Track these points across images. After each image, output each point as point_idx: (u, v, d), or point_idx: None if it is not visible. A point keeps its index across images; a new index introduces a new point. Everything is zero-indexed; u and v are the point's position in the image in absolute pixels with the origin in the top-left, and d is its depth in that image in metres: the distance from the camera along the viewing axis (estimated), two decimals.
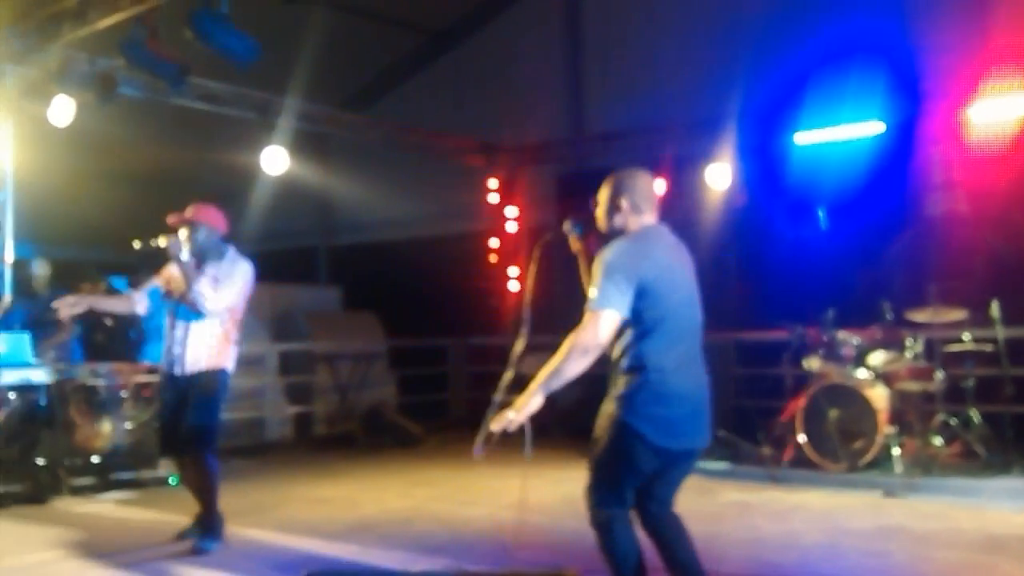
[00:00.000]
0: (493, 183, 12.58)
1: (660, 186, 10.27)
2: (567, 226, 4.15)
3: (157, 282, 5.89)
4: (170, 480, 7.72)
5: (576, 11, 12.42)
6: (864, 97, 9.13)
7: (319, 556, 5.45)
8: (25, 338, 7.59)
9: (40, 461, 7.36)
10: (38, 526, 6.39)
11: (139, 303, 5.88)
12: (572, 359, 3.59)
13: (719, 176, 10.06)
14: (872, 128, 9.26)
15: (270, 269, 13.17)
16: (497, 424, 3.76)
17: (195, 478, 5.78)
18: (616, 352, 3.74)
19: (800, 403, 7.83)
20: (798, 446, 7.78)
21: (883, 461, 7.57)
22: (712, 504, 7.00)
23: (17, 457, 7.32)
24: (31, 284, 8.21)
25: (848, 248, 9.28)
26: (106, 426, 7.72)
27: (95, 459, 7.70)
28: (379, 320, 12.29)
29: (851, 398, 7.62)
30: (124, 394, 7.87)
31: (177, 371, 5.66)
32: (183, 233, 5.64)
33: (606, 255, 3.70)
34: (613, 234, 3.87)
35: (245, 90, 9.68)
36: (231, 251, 5.82)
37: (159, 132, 10.93)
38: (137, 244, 5.65)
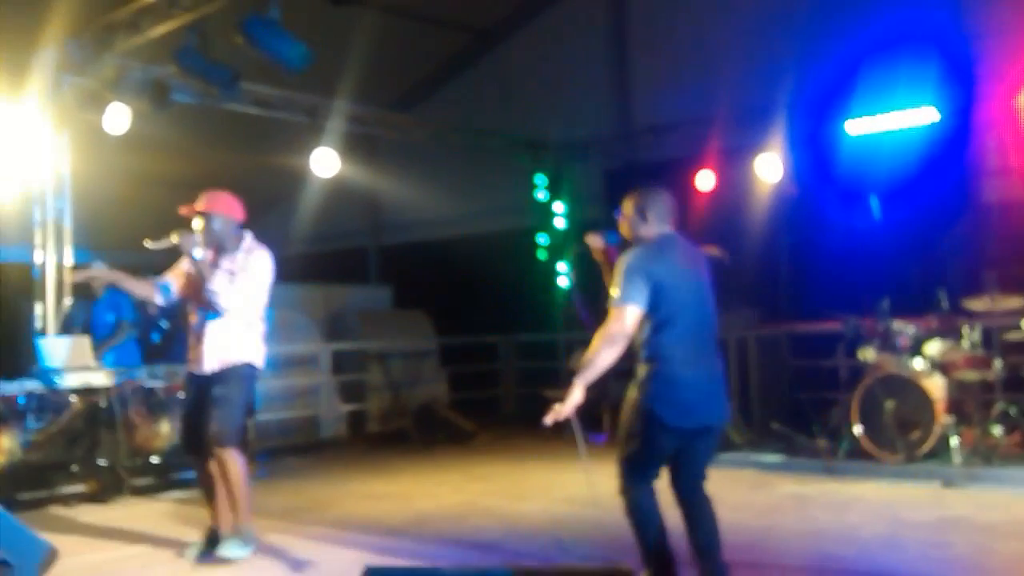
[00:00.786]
0: (541, 180, 12.60)
1: (709, 178, 10.41)
2: (601, 235, 4.72)
3: (168, 278, 5.59)
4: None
5: (621, 3, 12.38)
6: (917, 84, 9.00)
7: (376, 551, 5.51)
8: (86, 341, 7.76)
9: (102, 462, 7.52)
10: (101, 525, 6.53)
11: (156, 294, 5.55)
12: (603, 350, 4.15)
13: (769, 166, 9.97)
14: (925, 115, 9.12)
15: (322, 270, 13.43)
16: (549, 417, 4.23)
17: (221, 479, 5.38)
18: (636, 345, 4.28)
19: (856, 394, 7.74)
20: (854, 437, 7.70)
21: (941, 452, 7.45)
22: (768, 497, 6.96)
23: (80, 458, 7.49)
24: (90, 288, 8.37)
25: (902, 237, 9.15)
26: (164, 427, 7.85)
27: (154, 459, 7.84)
28: (429, 318, 12.38)
29: (908, 388, 7.52)
30: (181, 395, 8.00)
31: (198, 369, 5.43)
32: (197, 224, 5.39)
33: (626, 259, 4.28)
34: (635, 241, 4.44)
35: (295, 94, 9.81)
36: (248, 240, 5.51)
37: (211, 137, 11.11)
38: (149, 243, 5.36)
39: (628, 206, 4.49)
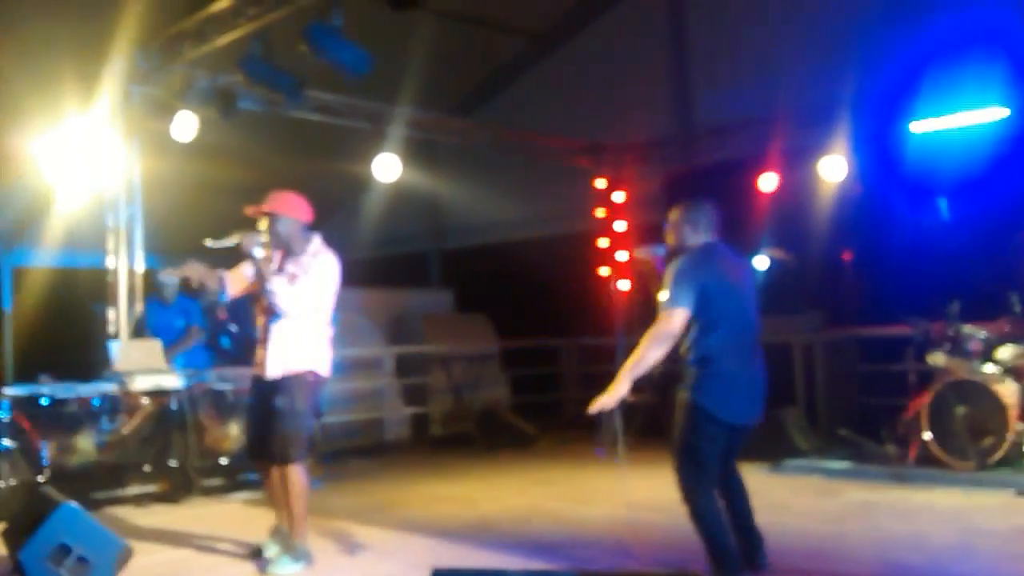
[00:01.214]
0: (600, 183, 12.56)
1: (772, 180, 10.29)
2: (649, 249, 5.15)
3: (226, 276, 5.47)
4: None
5: (680, 3, 12.29)
6: (985, 82, 8.80)
7: (441, 553, 5.54)
8: (157, 344, 7.93)
9: (173, 463, 7.68)
10: (171, 524, 6.67)
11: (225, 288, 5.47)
12: (651, 348, 4.48)
13: (833, 168, 9.83)
14: (994, 113, 8.91)
15: (384, 274, 13.54)
16: (594, 407, 4.54)
17: (282, 492, 5.34)
18: (683, 348, 4.60)
19: (925, 400, 7.60)
20: (923, 444, 7.55)
21: (1014, 459, 7.27)
22: (835, 504, 6.86)
23: (151, 459, 7.66)
24: (161, 293, 8.56)
25: (972, 238, 8.93)
26: (234, 429, 7.98)
27: (224, 460, 7.98)
28: (491, 321, 12.42)
29: (979, 394, 7.36)
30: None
31: (261, 372, 5.34)
32: (262, 224, 5.29)
33: (676, 265, 4.60)
34: (681, 250, 4.76)
35: (357, 100, 9.92)
36: (315, 242, 5.38)
37: (274, 143, 11.28)
38: (210, 242, 5.27)
39: (674, 216, 4.82)
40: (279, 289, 5.16)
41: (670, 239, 4.87)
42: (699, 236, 4.76)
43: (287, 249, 5.34)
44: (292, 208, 5.33)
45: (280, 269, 5.32)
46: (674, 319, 4.48)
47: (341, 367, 10.55)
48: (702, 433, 4.55)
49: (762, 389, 4.72)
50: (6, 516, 5.78)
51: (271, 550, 5.40)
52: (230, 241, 5.23)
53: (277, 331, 5.27)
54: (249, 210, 5.33)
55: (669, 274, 4.59)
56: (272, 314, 5.26)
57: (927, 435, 7.53)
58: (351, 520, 6.66)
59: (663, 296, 4.54)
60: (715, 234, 4.79)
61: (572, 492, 7.72)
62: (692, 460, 4.58)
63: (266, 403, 5.30)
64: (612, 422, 4.71)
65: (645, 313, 5.31)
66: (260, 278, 5.20)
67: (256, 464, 5.61)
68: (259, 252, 5.19)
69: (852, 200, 9.81)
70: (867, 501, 6.87)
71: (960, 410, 7.40)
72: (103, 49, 8.33)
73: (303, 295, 5.20)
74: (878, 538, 5.78)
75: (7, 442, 7.10)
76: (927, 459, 7.53)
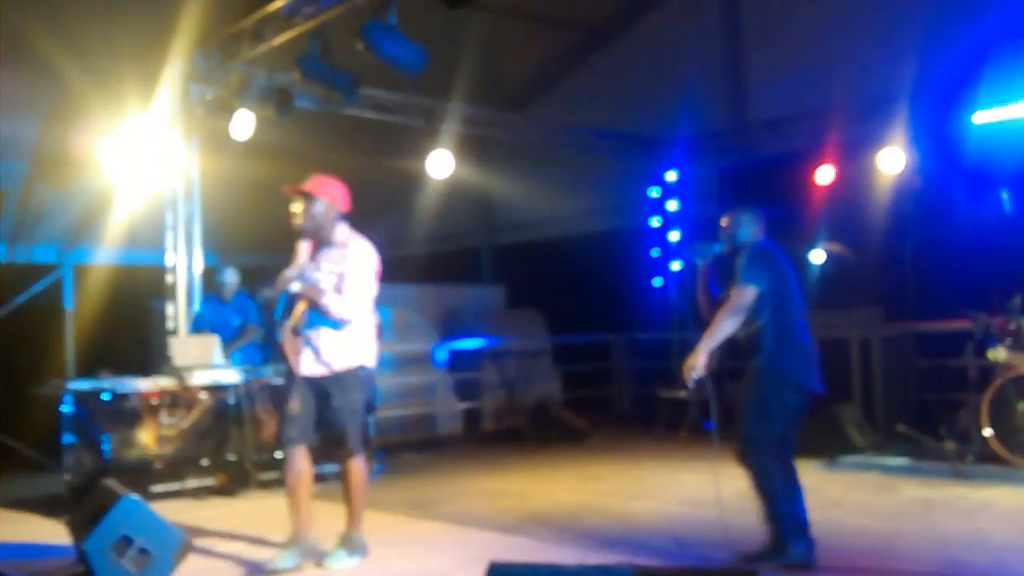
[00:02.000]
0: (653, 178, 12.50)
1: (829, 173, 10.15)
2: (704, 248, 5.37)
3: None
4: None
5: None
6: None
7: (495, 548, 5.56)
8: (215, 340, 8.06)
9: (230, 456, 7.80)
10: (229, 518, 6.77)
11: None
12: (727, 320, 4.93)
13: (891, 160, 9.67)
14: None
15: (437, 270, 13.61)
16: (687, 378, 4.93)
17: (346, 486, 5.36)
18: (754, 327, 5.00)
19: (986, 395, 7.45)
20: (984, 440, 7.41)
21: None
22: (893, 501, 6.76)
23: (209, 453, 7.79)
24: (221, 291, 8.70)
25: None
26: None
27: (279, 454, 8.08)
28: (542, 317, 12.42)
29: None
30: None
31: (309, 371, 5.28)
32: (296, 206, 5.22)
33: (748, 252, 5.11)
34: (734, 248, 5.22)
35: (411, 97, 9.98)
36: (343, 229, 5.30)
37: (329, 141, 11.37)
38: (268, 293, 5.30)
39: (727, 220, 5.34)
40: (333, 305, 5.13)
41: (725, 237, 5.31)
42: (752, 234, 5.25)
43: (316, 235, 5.25)
44: (329, 192, 5.24)
45: (314, 266, 5.23)
46: (746, 294, 4.95)
47: (395, 362, 10.72)
48: (777, 396, 4.94)
49: (817, 358, 5.16)
50: (70, 507, 5.92)
51: (285, 560, 5.21)
52: (279, 290, 5.20)
53: (326, 330, 5.22)
54: (287, 189, 5.27)
55: (744, 256, 5.07)
56: (321, 318, 5.19)
57: (988, 431, 7.38)
58: (405, 514, 6.72)
59: (737, 277, 5.00)
60: (762, 232, 5.28)
61: (624, 487, 7.71)
62: (762, 426, 4.92)
63: (318, 400, 5.28)
64: (701, 394, 5.09)
65: (696, 306, 5.51)
66: (314, 302, 5.16)
67: (288, 456, 5.34)
68: (298, 286, 5.16)
69: (911, 193, 9.65)
70: (925, 498, 6.76)
71: (1022, 406, 7.25)
72: (163, 50, 8.48)
73: (354, 298, 5.17)
74: (937, 536, 5.69)
75: (71, 436, 7.28)
76: (987, 456, 7.39)
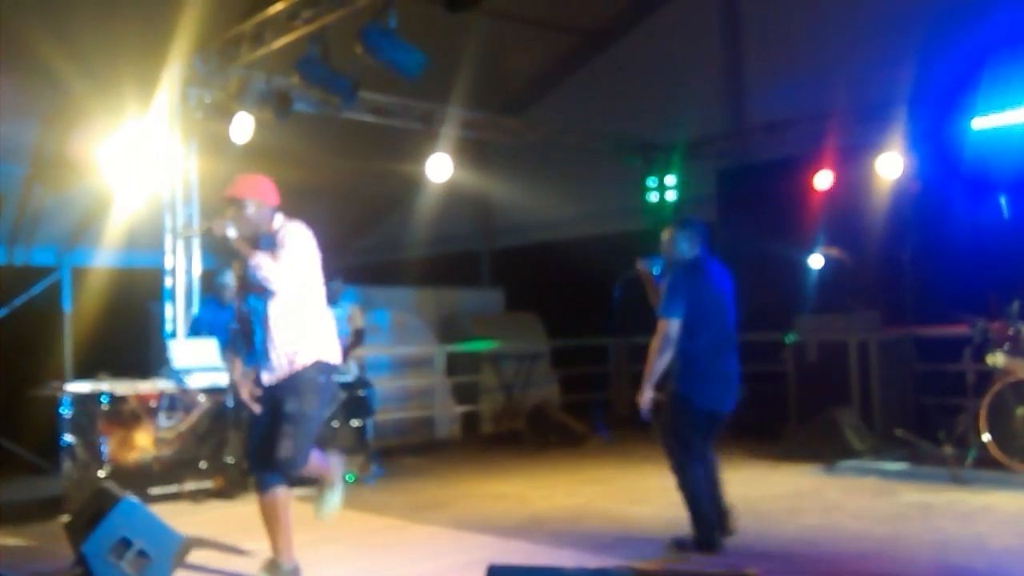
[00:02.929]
0: (652, 181, 12.51)
1: (827, 177, 10.16)
2: (647, 263, 5.82)
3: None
4: (346, 477, 8.03)
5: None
6: None
7: (494, 551, 5.56)
8: (213, 343, 8.05)
9: (228, 459, 7.79)
10: (228, 521, 6.76)
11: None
12: (659, 356, 5.40)
13: (890, 165, 9.68)
14: None
15: (435, 273, 13.61)
16: (644, 410, 5.43)
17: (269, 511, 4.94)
18: (673, 346, 5.41)
19: (984, 400, 7.46)
20: (983, 445, 7.42)
21: None
22: (892, 505, 6.76)
23: (207, 455, 7.78)
24: (220, 293, 8.69)
25: None
26: None
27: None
28: (541, 320, 12.42)
29: None
30: None
31: (266, 378, 4.90)
32: (230, 212, 4.93)
33: (670, 279, 5.50)
34: (673, 263, 5.60)
35: (410, 101, 9.99)
36: (278, 218, 5.00)
37: (327, 145, 11.39)
38: (183, 232, 5.12)
39: (667, 234, 5.66)
40: (264, 262, 4.76)
41: (665, 253, 5.67)
42: (690, 251, 5.58)
43: (254, 235, 4.94)
44: (259, 191, 4.98)
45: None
46: (669, 328, 5.39)
47: (393, 365, 10.73)
48: (688, 418, 5.45)
49: (737, 383, 5.62)
50: (69, 510, 5.90)
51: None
52: (200, 229, 5.00)
53: (275, 328, 4.83)
54: (224, 196, 5.02)
55: (664, 287, 5.47)
56: (262, 303, 4.85)
57: (986, 436, 7.39)
58: (404, 517, 6.71)
59: (660, 307, 5.45)
60: (702, 248, 5.61)
61: (623, 491, 7.70)
62: (679, 441, 5.44)
63: (273, 409, 4.86)
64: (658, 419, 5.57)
65: (647, 317, 5.82)
66: (242, 258, 4.84)
67: (256, 477, 5.05)
68: (233, 232, 4.82)
69: (909, 198, 9.67)
70: (924, 503, 6.77)
71: (1020, 411, 7.27)
72: (162, 53, 8.48)
73: (288, 267, 4.79)
74: (936, 541, 5.69)
75: (69, 438, 7.27)
76: (986, 460, 7.39)
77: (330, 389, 5.09)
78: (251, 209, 4.93)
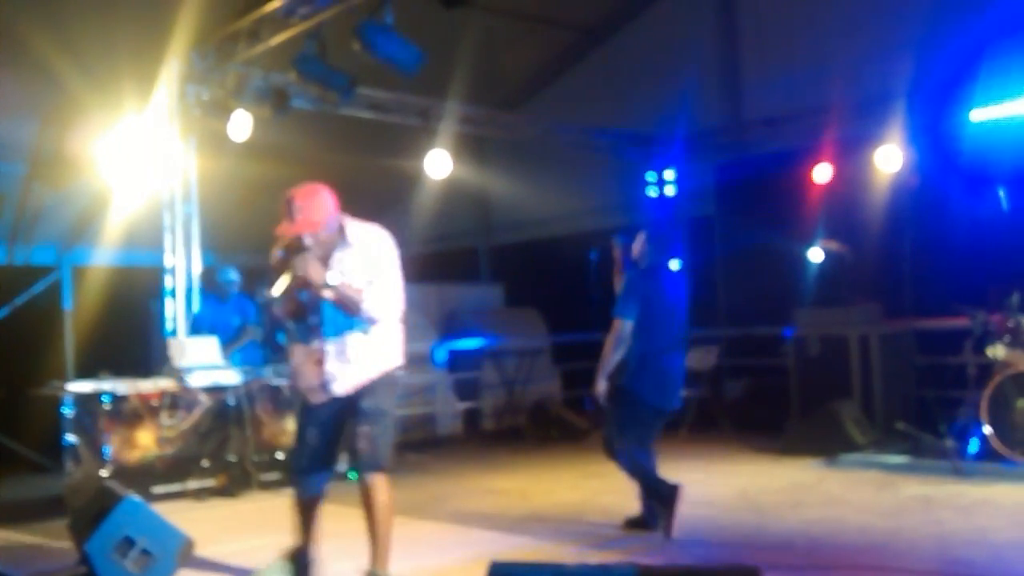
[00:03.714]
0: (651, 176, 12.50)
1: (825, 171, 10.16)
2: (619, 242, 6.38)
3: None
4: (348, 475, 8.04)
5: None
6: None
7: (497, 546, 5.57)
8: (214, 341, 8.06)
9: (231, 457, 7.80)
10: (231, 519, 6.78)
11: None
12: (612, 352, 5.84)
13: (889, 158, 9.67)
14: None
15: (435, 270, 13.60)
16: (600, 398, 5.96)
17: (368, 507, 4.68)
18: (626, 344, 5.83)
19: (985, 393, 7.46)
20: (984, 438, 7.42)
21: None
22: (893, 498, 6.77)
23: (210, 454, 7.79)
24: (221, 290, 8.69)
25: None
26: (290, 423, 8.07)
27: (280, 455, 8.10)
28: (541, 316, 12.42)
29: None
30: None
31: (337, 392, 4.64)
32: (308, 241, 4.50)
33: (627, 280, 5.94)
34: (638, 265, 6.08)
35: (407, 97, 9.98)
36: (348, 223, 4.68)
37: (325, 141, 11.38)
38: (275, 291, 4.51)
39: (639, 241, 6.08)
40: (367, 303, 4.51)
41: (635, 256, 6.09)
42: (652, 257, 6.01)
43: (330, 252, 4.62)
44: (321, 210, 4.59)
45: (326, 266, 4.56)
46: (623, 328, 5.81)
47: None
48: (634, 411, 5.84)
49: (682, 381, 6.06)
50: (71, 509, 5.91)
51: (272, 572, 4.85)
52: (285, 283, 4.50)
53: (351, 339, 4.58)
54: (283, 239, 4.60)
55: (622, 288, 5.89)
56: (355, 320, 4.57)
57: (987, 428, 7.40)
58: (406, 514, 6.68)
59: (617, 305, 5.86)
60: (667, 253, 6.08)
61: (624, 486, 7.66)
62: (625, 430, 5.84)
63: (344, 419, 4.69)
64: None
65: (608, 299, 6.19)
66: (349, 301, 4.51)
67: (305, 478, 4.88)
68: (320, 275, 4.48)
69: (908, 191, 9.66)
70: (925, 495, 6.77)
71: (1021, 403, 7.27)
72: (159, 50, 8.47)
73: (386, 291, 4.58)
74: (938, 533, 5.70)
75: (71, 437, 7.28)
76: (987, 453, 7.40)
77: (399, 394, 4.94)
78: (324, 235, 4.58)
